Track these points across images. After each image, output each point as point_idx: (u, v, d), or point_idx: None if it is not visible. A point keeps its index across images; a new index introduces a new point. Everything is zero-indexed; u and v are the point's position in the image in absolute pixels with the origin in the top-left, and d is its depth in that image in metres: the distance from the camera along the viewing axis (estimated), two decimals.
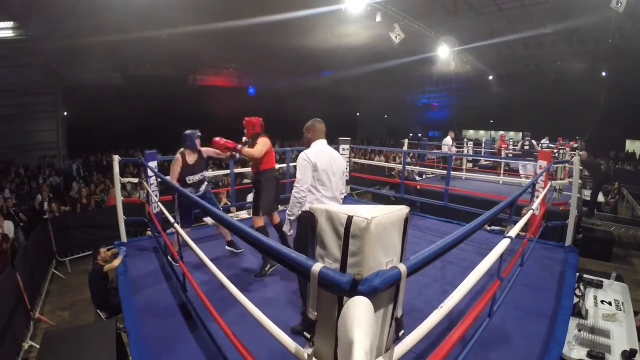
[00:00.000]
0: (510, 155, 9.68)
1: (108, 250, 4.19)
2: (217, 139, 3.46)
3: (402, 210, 1.03)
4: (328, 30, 11.74)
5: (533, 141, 9.17)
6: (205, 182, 3.65)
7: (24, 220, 6.68)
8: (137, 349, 2.22)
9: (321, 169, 2.43)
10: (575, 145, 9.83)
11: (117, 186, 4.06)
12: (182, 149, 3.47)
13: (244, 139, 3.52)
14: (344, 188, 2.66)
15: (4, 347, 3.57)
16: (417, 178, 8.33)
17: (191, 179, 3.45)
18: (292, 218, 2.49)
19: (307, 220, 1.55)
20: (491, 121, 21.18)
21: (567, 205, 4.37)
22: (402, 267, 0.94)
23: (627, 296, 3.32)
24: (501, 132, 13.54)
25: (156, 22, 9.55)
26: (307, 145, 2.58)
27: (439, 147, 12.96)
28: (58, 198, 7.79)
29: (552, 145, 9.76)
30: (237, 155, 3.47)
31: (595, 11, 10.12)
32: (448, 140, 9.35)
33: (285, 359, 1.44)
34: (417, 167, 8.53)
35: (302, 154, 2.47)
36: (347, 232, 0.94)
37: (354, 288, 0.85)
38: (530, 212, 2.98)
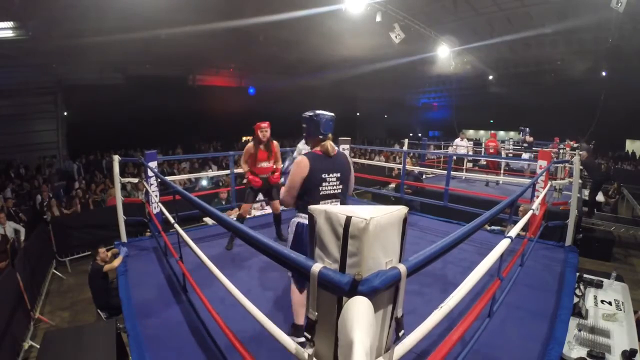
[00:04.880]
0: (510, 155, 9.67)
1: (108, 250, 4.20)
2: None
3: (400, 210, 1.03)
4: (328, 30, 11.73)
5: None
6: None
7: (24, 220, 6.68)
8: (137, 349, 2.22)
9: None
10: (575, 145, 9.81)
11: (117, 186, 4.05)
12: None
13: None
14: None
15: (4, 347, 3.58)
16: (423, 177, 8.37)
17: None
18: None
19: None
20: (491, 121, 21.15)
21: (567, 205, 4.37)
22: (402, 268, 0.94)
23: (627, 296, 3.33)
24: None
25: (156, 22, 9.54)
26: None
27: (439, 147, 12.98)
28: (58, 198, 7.78)
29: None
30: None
31: (595, 11, 10.12)
32: (458, 141, 9.38)
33: (286, 359, 1.45)
34: (417, 167, 8.52)
35: None
36: (345, 232, 0.93)
37: (354, 288, 0.85)
38: (531, 212, 2.99)
